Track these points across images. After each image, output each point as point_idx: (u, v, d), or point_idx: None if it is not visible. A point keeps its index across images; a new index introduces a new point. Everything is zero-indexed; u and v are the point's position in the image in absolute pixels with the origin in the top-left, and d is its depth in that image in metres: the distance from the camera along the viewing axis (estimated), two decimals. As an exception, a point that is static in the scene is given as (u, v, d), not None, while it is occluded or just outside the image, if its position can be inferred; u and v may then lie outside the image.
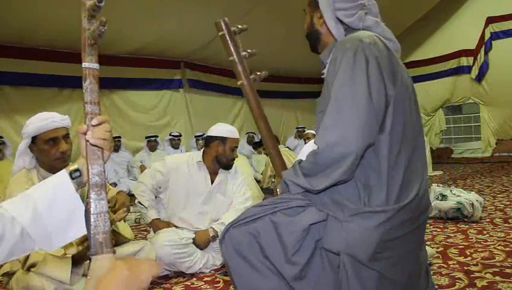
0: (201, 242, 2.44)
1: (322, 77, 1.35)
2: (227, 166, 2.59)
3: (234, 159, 2.59)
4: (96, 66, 0.91)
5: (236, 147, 2.60)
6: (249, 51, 1.52)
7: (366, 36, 1.19)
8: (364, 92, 1.10)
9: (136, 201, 2.57)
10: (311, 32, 1.38)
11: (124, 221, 2.35)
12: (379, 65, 1.13)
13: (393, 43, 1.29)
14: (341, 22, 1.29)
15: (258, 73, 1.54)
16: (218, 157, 2.55)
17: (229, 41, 1.48)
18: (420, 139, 1.25)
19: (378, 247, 1.10)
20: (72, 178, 0.93)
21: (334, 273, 1.16)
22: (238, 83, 1.50)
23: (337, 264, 1.16)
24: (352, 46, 1.16)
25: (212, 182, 2.59)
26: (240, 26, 1.51)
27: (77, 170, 0.94)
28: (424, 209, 1.23)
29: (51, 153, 1.83)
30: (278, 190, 1.35)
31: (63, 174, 0.94)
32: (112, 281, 0.72)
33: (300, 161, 1.23)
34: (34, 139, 1.83)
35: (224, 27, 1.48)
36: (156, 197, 2.63)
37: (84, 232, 0.90)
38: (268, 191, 4.22)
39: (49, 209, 0.89)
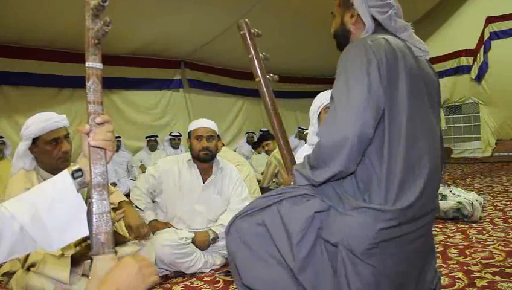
0: (200, 243, 2.44)
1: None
2: (201, 158, 2.52)
3: (207, 149, 2.50)
4: (99, 65, 0.91)
5: (203, 136, 2.50)
6: (264, 53, 1.66)
7: (374, 39, 1.22)
8: (363, 89, 1.13)
9: (133, 206, 2.58)
10: (341, 31, 1.40)
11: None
12: (378, 66, 1.16)
13: (420, 48, 1.33)
14: (374, 20, 1.32)
15: (271, 75, 1.66)
16: (192, 153, 2.57)
17: (249, 41, 1.62)
18: (430, 142, 1.25)
19: (373, 243, 1.12)
20: (74, 178, 0.92)
21: (331, 263, 1.19)
22: (256, 79, 1.62)
23: (334, 255, 1.18)
24: (356, 46, 1.21)
25: (204, 181, 2.59)
26: (256, 30, 1.65)
27: (79, 170, 0.93)
28: (429, 211, 1.24)
29: (53, 153, 1.83)
30: (291, 184, 1.41)
31: (65, 174, 0.93)
32: (122, 275, 0.78)
33: (309, 156, 1.27)
34: (35, 140, 1.82)
35: (245, 27, 1.63)
36: (153, 201, 2.63)
37: (86, 233, 0.90)
38: (268, 191, 4.20)
39: (49, 209, 0.89)
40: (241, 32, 1.62)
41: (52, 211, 0.89)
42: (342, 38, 1.41)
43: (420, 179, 1.19)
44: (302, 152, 2.10)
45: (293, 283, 1.17)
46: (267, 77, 1.63)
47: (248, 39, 1.61)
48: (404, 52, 1.25)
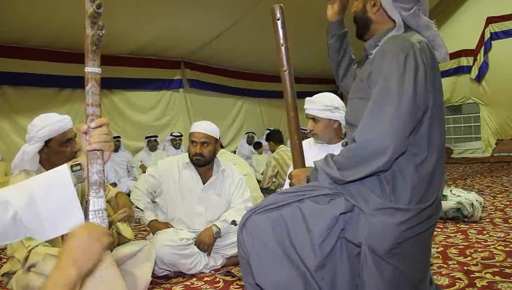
0: (206, 238, 2.42)
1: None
2: (194, 162, 2.52)
3: (200, 155, 2.48)
4: (98, 70, 0.96)
5: (197, 141, 2.48)
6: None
7: (418, 41, 1.22)
8: (410, 97, 1.14)
9: (133, 206, 2.58)
10: (361, 18, 1.40)
11: (127, 223, 2.36)
12: (426, 73, 1.18)
13: (439, 52, 1.32)
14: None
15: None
16: (188, 155, 2.57)
17: (282, 29, 1.57)
18: (444, 147, 1.31)
19: (396, 243, 1.15)
20: (73, 171, 0.96)
21: (349, 263, 1.20)
22: (283, 69, 1.58)
23: (354, 255, 1.20)
24: (404, 48, 1.19)
25: (204, 183, 2.58)
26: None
27: (79, 164, 0.97)
28: (438, 211, 1.29)
29: (66, 153, 1.83)
30: (290, 184, 1.42)
31: (64, 167, 0.97)
32: (74, 247, 0.78)
33: (332, 156, 1.27)
34: (47, 141, 1.81)
35: (280, 13, 1.57)
36: (153, 202, 2.64)
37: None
38: (268, 192, 4.20)
39: (44, 197, 0.91)
40: (277, 18, 1.57)
41: (47, 199, 0.91)
42: (362, 26, 1.41)
43: (440, 182, 1.25)
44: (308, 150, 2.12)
45: (305, 288, 1.15)
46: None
47: (281, 27, 1.56)
48: (435, 56, 1.27)
